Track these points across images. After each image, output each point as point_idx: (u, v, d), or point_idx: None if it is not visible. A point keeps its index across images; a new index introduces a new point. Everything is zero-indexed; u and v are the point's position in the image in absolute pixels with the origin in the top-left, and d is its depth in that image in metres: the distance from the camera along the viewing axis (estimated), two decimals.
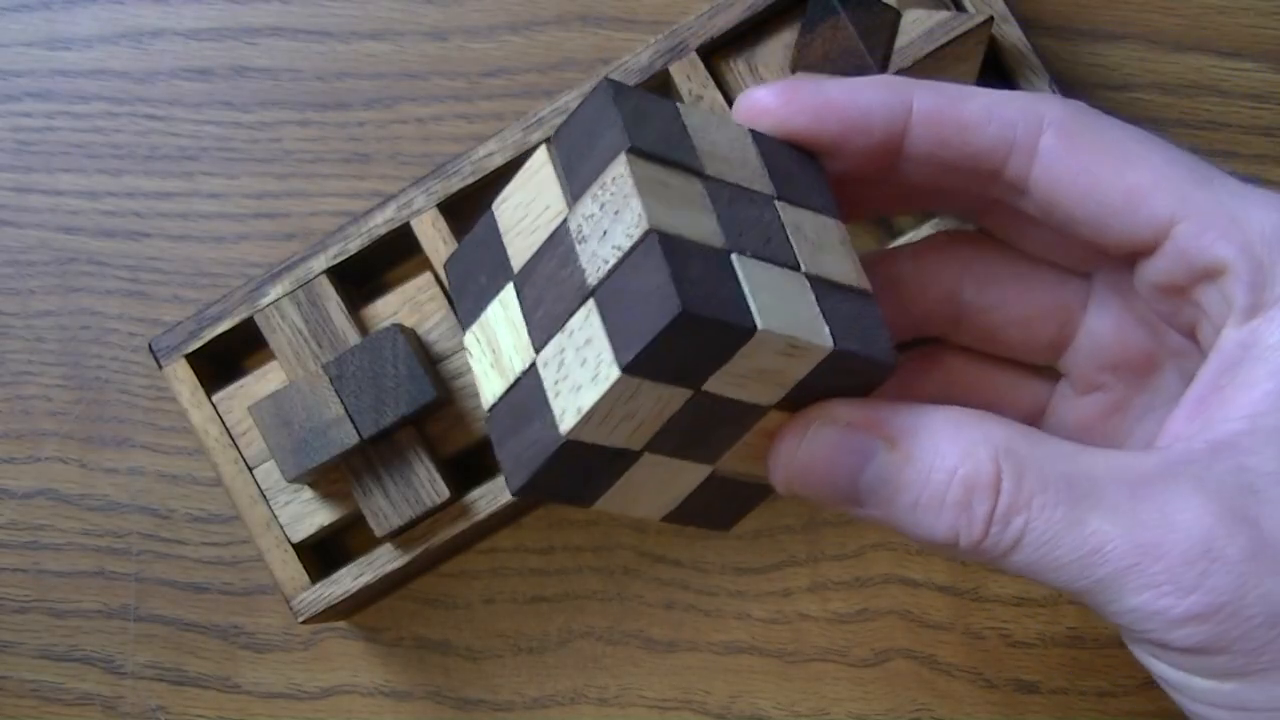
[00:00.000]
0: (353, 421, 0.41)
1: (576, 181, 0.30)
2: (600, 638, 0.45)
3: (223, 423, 0.43)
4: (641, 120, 0.30)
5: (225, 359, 0.45)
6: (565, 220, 0.30)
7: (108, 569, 0.46)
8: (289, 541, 0.42)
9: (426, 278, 0.43)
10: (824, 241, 0.31)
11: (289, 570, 0.42)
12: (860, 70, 0.40)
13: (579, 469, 0.30)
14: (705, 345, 0.29)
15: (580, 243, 0.29)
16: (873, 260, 0.33)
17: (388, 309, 0.43)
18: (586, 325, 0.29)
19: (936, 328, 0.34)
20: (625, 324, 0.28)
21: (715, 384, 0.30)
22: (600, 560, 0.45)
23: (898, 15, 0.41)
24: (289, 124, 0.47)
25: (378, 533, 0.41)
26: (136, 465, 0.47)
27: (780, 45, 0.43)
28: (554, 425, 0.29)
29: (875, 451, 0.29)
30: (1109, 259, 0.32)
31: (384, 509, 0.41)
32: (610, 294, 0.29)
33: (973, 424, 0.29)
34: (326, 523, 0.43)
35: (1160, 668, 0.29)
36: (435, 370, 0.42)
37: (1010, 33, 0.42)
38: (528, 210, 0.31)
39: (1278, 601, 0.27)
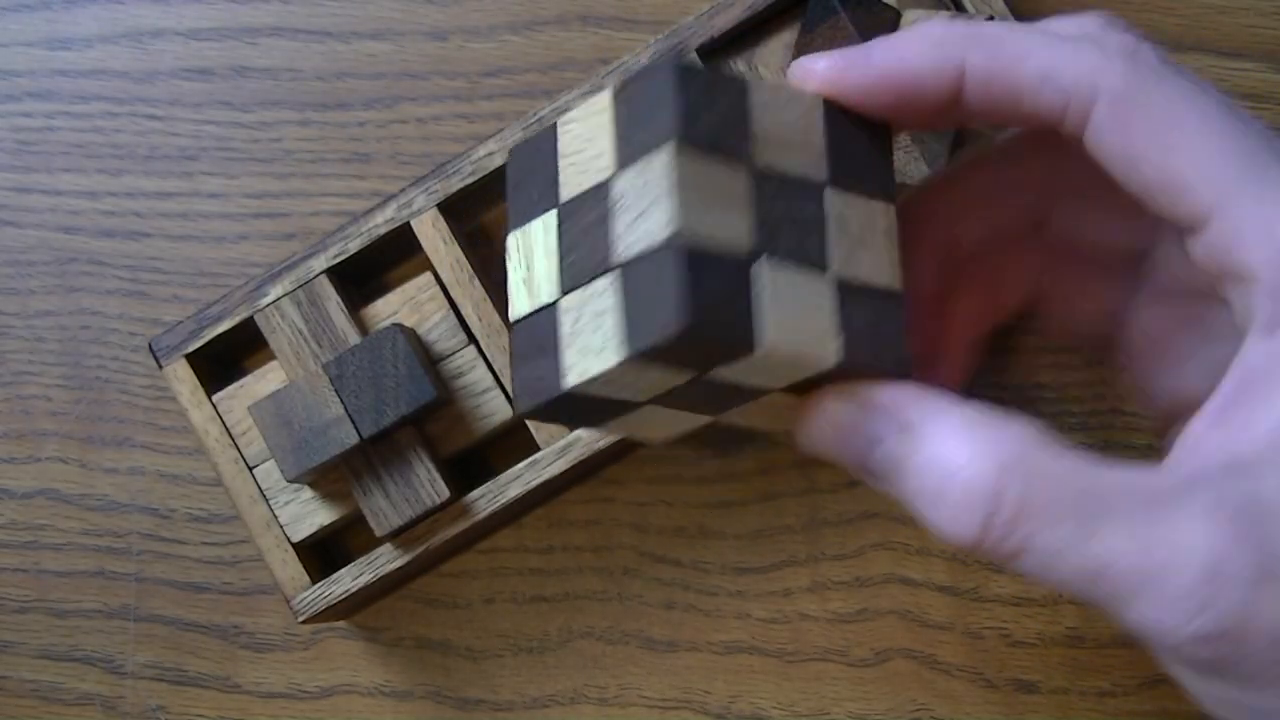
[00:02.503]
0: (353, 421, 0.41)
1: (629, 146, 0.31)
2: (600, 638, 0.45)
3: (223, 423, 0.43)
4: (702, 106, 0.30)
5: (225, 359, 0.45)
6: (611, 179, 0.31)
7: (108, 569, 0.46)
8: (289, 541, 0.42)
9: (426, 278, 0.43)
10: (867, 234, 0.32)
11: (289, 570, 0.42)
12: None
13: (583, 409, 0.32)
14: (709, 353, 0.30)
15: (617, 212, 0.30)
16: (967, 165, 0.34)
17: (388, 309, 0.43)
18: (606, 294, 0.30)
19: (1021, 229, 0.34)
20: (637, 315, 0.29)
21: (720, 374, 0.30)
22: (600, 560, 0.45)
23: (898, 15, 0.41)
24: (289, 124, 0.47)
25: (378, 532, 0.41)
26: (136, 465, 0.47)
27: (780, 45, 0.43)
28: (559, 374, 0.30)
29: (889, 434, 0.30)
30: None
31: (384, 509, 0.41)
32: (631, 277, 0.30)
33: (988, 428, 0.29)
34: (326, 523, 0.43)
35: (1170, 665, 0.29)
36: (435, 370, 0.42)
37: None
38: (584, 147, 0.32)
39: None
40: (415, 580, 0.46)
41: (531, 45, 0.47)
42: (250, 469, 0.43)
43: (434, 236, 0.42)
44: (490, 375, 0.42)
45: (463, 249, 0.42)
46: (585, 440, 0.41)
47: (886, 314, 0.31)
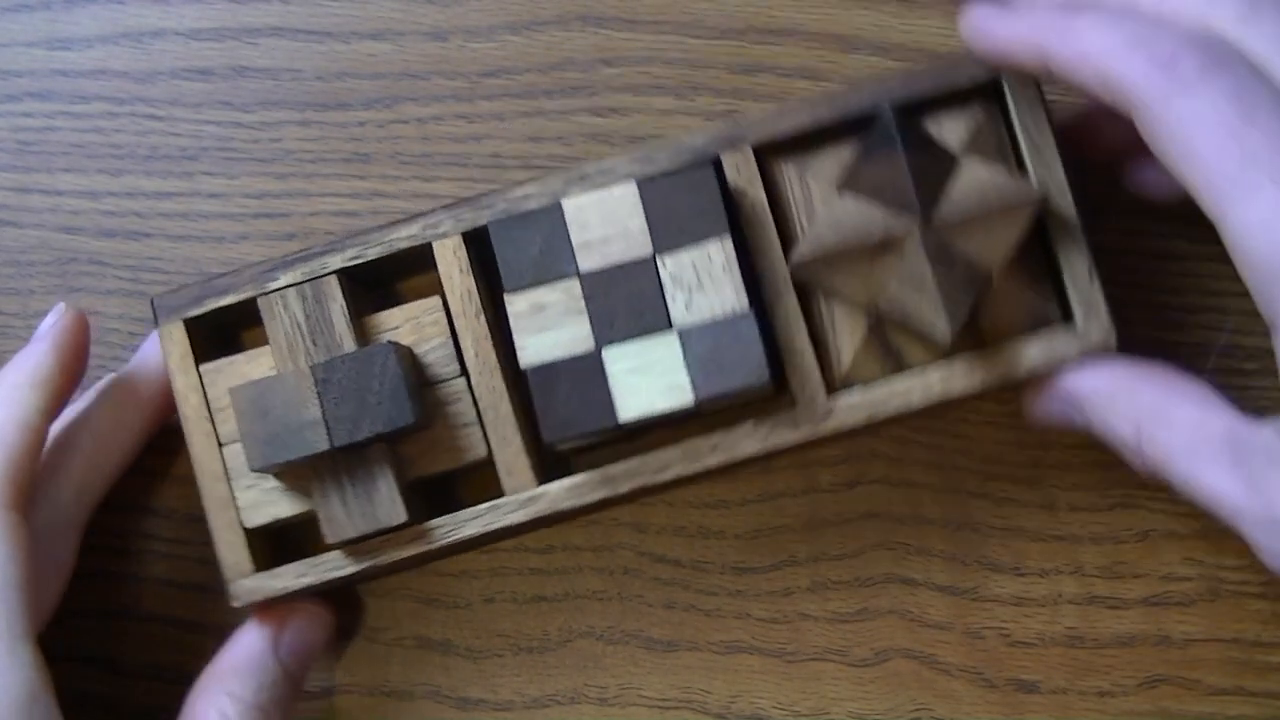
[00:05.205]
0: (328, 427, 0.40)
1: (666, 234, 0.40)
2: (600, 638, 0.45)
3: (204, 394, 0.43)
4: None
5: (221, 334, 0.44)
6: (654, 259, 0.40)
7: (110, 569, 0.46)
8: (241, 526, 0.42)
9: (434, 301, 0.43)
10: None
11: (235, 554, 0.42)
12: (903, 208, 0.40)
13: (607, 435, 0.41)
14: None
15: (671, 285, 0.40)
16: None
17: (390, 322, 0.43)
18: (670, 348, 0.40)
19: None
20: (713, 365, 0.39)
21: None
22: (600, 560, 0.45)
23: (955, 164, 0.40)
24: (289, 124, 0.47)
25: (328, 539, 0.41)
26: (136, 465, 0.47)
27: (835, 160, 0.42)
28: (612, 410, 0.39)
29: (1074, 415, 0.41)
30: None
31: (339, 517, 0.41)
32: (698, 338, 0.39)
33: (1127, 393, 0.39)
34: (283, 516, 0.42)
35: None
36: (423, 393, 0.42)
37: (1063, 203, 0.41)
38: (605, 230, 0.40)
39: None
40: (414, 579, 0.46)
41: (531, 45, 0.47)
42: (220, 446, 0.42)
43: (451, 263, 0.42)
44: (474, 411, 0.42)
45: (477, 282, 0.42)
46: (550, 496, 0.41)
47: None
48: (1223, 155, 0.34)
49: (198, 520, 0.46)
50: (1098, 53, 0.36)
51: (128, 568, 0.46)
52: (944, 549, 0.45)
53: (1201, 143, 0.35)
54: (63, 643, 0.46)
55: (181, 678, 0.46)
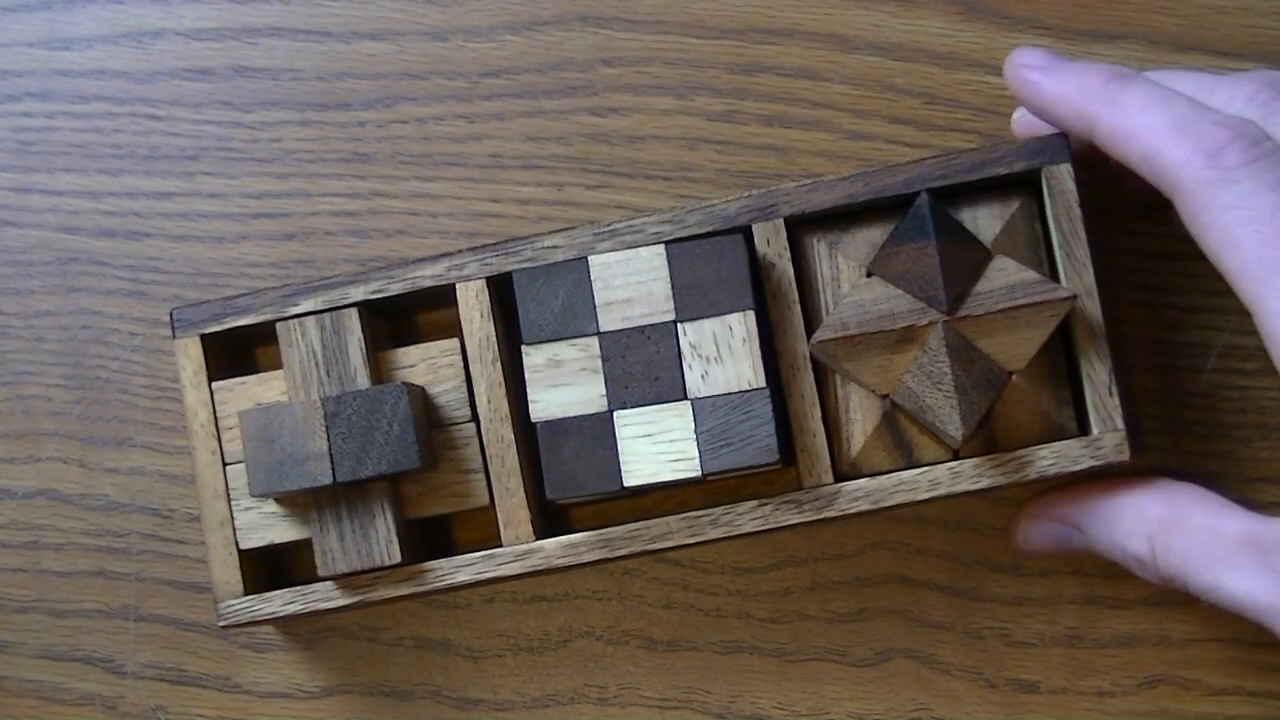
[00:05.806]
0: (332, 462, 0.40)
1: (690, 301, 0.40)
2: (600, 638, 0.45)
3: (214, 411, 0.43)
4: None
5: (237, 352, 0.44)
6: (675, 325, 0.40)
7: (108, 569, 0.46)
8: (236, 546, 0.42)
9: (452, 343, 0.42)
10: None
11: (227, 573, 0.42)
12: (929, 299, 0.39)
13: (611, 495, 0.41)
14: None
15: (688, 354, 0.40)
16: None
17: (407, 360, 0.43)
18: (682, 418, 0.40)
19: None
20: (724, 441, 0.39)
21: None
22: None
23: (987, 258, 0.40)
24: (289, 124, 0.47)
25: (320, 571, 0.41)
26: (136, 465, 0.47)
27: (867, 241, 0.41)
28: (619, 473, 0.40)
29: (1072, 535, 0.41)
30: None
31: (334, 550, 0.41)
32: (711, 411, 0.39)
33: (1133, 509, 0.39)
34: (279, 541, 0.42)
35: None
36: (431, 435, 0.42)
37: (1091, 308, 0.40)
38: (629, 291, 0.40)
39: None
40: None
41: (531, 45, 0.47)
42: (224, 465, 0.42)
43: (473, 307, 0.42)
44: (480, 458, 0.42)
45: (496, 328, 0.42)
46: (546, 552, 0.41)
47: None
48: (1261, 245, 0.35)
49: (197, 520, 0.46)
50: (1144, 131, 0.37)
51: (128, 568, 0.46)
52: (944, 549, 0.45)
53: (1241, 232, 0.35)
54: (63, 643, 0.46)
55: (182, 678, 0.46)
